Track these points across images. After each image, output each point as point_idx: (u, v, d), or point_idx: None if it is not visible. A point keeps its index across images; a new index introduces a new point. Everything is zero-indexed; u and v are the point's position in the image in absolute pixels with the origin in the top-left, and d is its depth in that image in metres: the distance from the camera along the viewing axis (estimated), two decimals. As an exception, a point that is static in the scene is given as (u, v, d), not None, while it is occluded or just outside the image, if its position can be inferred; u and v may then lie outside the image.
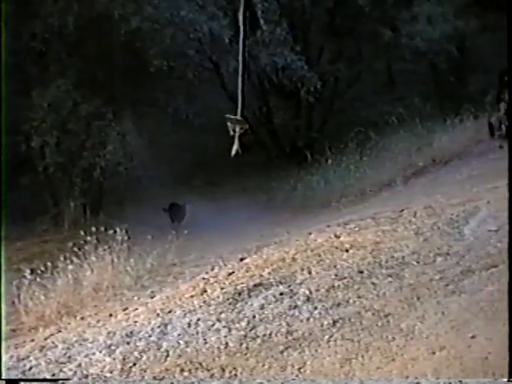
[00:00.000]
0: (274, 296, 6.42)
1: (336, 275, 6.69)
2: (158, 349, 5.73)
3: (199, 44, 16.32)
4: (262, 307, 6.23)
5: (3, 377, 5.55)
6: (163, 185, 16.48)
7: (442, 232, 7.64)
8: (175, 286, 7.68)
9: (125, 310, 7.05)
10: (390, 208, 9.53)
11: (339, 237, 8.03)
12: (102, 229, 9.71)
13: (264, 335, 5.71)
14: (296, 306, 6.14)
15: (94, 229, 9.56)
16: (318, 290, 6.40)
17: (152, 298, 7.37)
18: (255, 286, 6.72)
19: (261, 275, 6.99)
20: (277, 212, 14.38)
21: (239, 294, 6.58)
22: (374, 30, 18.77)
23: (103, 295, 8.04)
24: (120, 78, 15.57)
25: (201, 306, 6.45)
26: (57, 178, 15.09)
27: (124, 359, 5.62)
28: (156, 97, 16.80)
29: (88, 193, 15.05)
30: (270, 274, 6.99)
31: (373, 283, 6.42)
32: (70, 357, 5.81)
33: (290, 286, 6.58)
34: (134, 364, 5.53)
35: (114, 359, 5.64)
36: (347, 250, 7.40)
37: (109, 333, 6.21)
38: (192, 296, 6.81)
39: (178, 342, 5.79)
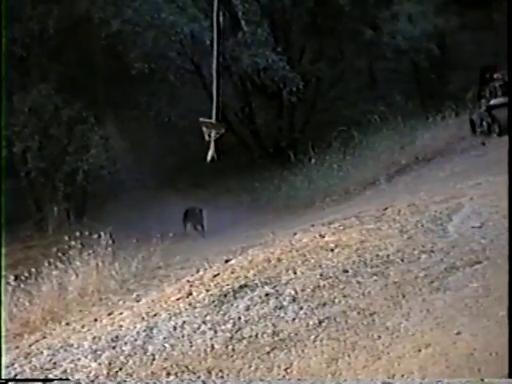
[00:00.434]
0: (260, 297, 6.40)
1: (321, 275, 6.69)
2: (144, 353, 5.70)
3: (180, 46, 16.31)
4: (247, 308, 6.21)
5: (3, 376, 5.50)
6: (147, 188, 16.45)
7: (425, 229, 7.66)
8: (160, 289, 7.65)
9: (110, 314, 7.02)
10: (374, 206, 9.55)
11: (324, 236, 8.04)
12: (87, 233, 9.67)
13: (250, 336, 5.70)
14: (282, 307, 6.13)
15: (78, 233, 9.53)
16: (303, 290, 6.39)
17: (137, 301, 7.34)
18: (240, 287, 6.70)
19: (246, 276, 6.98)
20: (261, 213, 14.40)
21: (225, 295, 6.56)
22: (355, 29, 18.84)
23: (88, 300, 8.00)
24: (101, 81, 15.54)
25: (186, 309, 6.43)
26: (39, 183, 15.04)
27: (110, 364, 5.58)
28: (138, 100, 16.78)
29: (71, 197, 15.01)
30: (255, 275, 6.98)
31: (358, 282, 6.42)
32: (55, 363, 5.77)
33: (275, 287, 6.57)
34: (120, 368, 5.49)
35: (100, 364, 5.60)
36: (332, 250, 7.40)
37: (94, 338, 6.17)
38: (177, 299, 6.79)
39: (164, 346, 5.76)
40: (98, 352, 5.84)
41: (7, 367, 5.77)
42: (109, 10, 15.01)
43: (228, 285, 6.82)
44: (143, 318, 6.42)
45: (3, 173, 10.84)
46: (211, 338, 5.76)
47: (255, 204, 15.56)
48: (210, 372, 5.26)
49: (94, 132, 15.02)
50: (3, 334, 6.27)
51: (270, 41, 17.64)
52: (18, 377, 5.59)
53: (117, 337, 6.08)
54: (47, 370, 5.66)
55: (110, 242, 9.23)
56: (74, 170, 14.85)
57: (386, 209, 8.93)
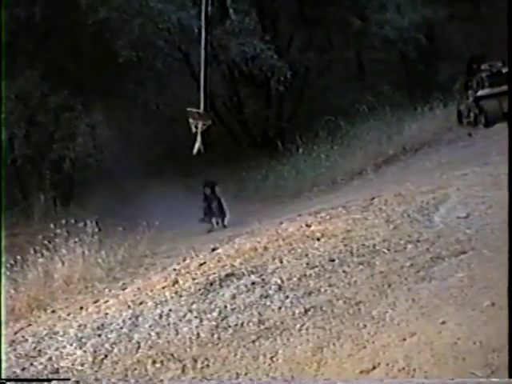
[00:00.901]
0: (246, 286, 6.42)
1: (307, 264, 6.70)
2: (130, 341, 5.70)
3: (168, 34, 16.21)
4: (233, 297, 6.22)
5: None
6: (134, 176, 16.39)
7: (412, 219, 7.69)
8: (147, 278, 7.66)
9: (96, 302, 7.02)
10: (361, 196, 9.57)
11: (310, 226, 8.05)
12: (73, 221, 9.63)
13: (236, 325, 5.71)
14: (268, 296, 6.14)
15: (64, 221, 9.49)
16: (289, 279, 6.41)
17: (123, 289, 7.34)
18: (227, 276, 6.71)
19: (232, 265, 6.99)
20: (248, 202, 14.39)
21: (211, 284, 6.57)
22: (343, 19, 18.78)
23: (74, 288, 7.98)
24: (89, 69, 15.44)
25: (172, 297, 6.43)
26: (26, 170, 14.97)
27: (95, 352, 5.59)
28: (126, 88, 16.68)
29: (58, 185, 14.94)
30: (241, 263, 6.99)
31: (344, 271, 6.44)
32: (40, 351, 5.77)
33: (261, 276, 6.58)
34: (106, 356, 5.50)
35: (85, 352, 5.60)
36: (318, 239, 7.41)
37: (80, 326, 6.18)
38: (163, 287, 6.79)
39: (150, 334, 5.77)
40: (84, 340, 5.84)
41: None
42: (97, -3, 14.92)
43: (214, 273, 6.83)
44: (129, 306, 6.43)
45: (2, 169, 10.81)
46: (197, 327, 5.78)
47: (242, 193, 15.55)
48: (195, 360, 5.27)
49: (81, 120, 14.95)
50: (3, 333, 6.25)
51: (258, 29, 17.57)
52: (3, 364, 5.57)
53: (102, 325, 6.09)
54: (32, 357, 5.65)
55: (97, 230, 9.21)
56: (60, 157, 14.78)
57: (372, 199, 8.94)
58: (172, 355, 5.37)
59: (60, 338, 5.97)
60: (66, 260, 8.37)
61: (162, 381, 5.09)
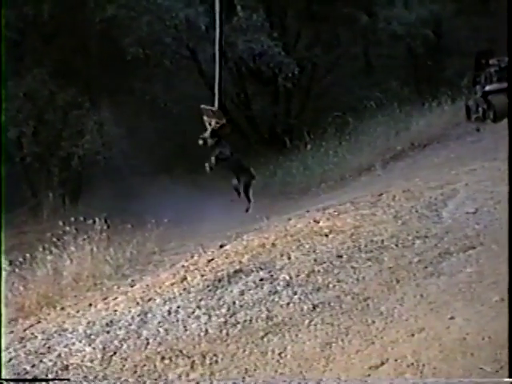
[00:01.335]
0: (254, 282, 6.42)
1: (315, 260, 6.70)
2: (139, 337, 5.71)
3: (176, 31, 16.24)
4: (241, 293, 6.23)
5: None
6: (142, 173, 16.42)
7: (420, 215, 7.67)
8: (155, 275, 7.66)
9: (105, 299, 7.03)
10: (369, 192, 9.55)
11: (318, 222, 8.04)
12: (81, 219, 9.63)
13: (244, 321, 5.71)
14: (276, 292, 6.15)
15: (72, 219, 9.50)
16: (297, 275, 6.40)
17: (132, 286, 7.35)
18: (235, 272, 6.71)
19: (240, 261, 6.99)
20: (256, 198, 14.33)
21: (219, 280, 6.58)
22: (350, 15, 18.75)
23: (83, 285, 8.00)
24: (96, 66, 15.48)
25: (181, 294, 6.44)
26: (34, 168, 15.03)
27: (104, 348, 5.60)
28: (133, 85, 16.73)
29: (66, 183, 15.00)
30: (249, 260, 6.99)
31: (352, 267, 6.43)
32: (49, 347, 5.79)
33: (269, 272, 6.58)
34: (115, 353, 5.51)
35: (94, 349, 5.61)
36: (326, 235, 7.41)
37: (89, 322, 6.19)
38: (172, 284, 6.80)
39: (158, 330, 5.78)
40: (93, 336, 5.86)
41: (2, 351, 5.78)
42: (104, -5, 14.96)
43: (222, 270, 6.84)
44: (138, 303, 6.44)
45: (2, 168, 10.85)
46: (205, 323, 5.78)
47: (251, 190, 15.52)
48: (204, 356, 5.28)
49: (89, 117, 14.99)
50: (3, 333, 6.27)
51: (266, 26, 17.57)
52: (13, 361, 5.60)
53: (111, 321, 6.10)
54: (41, 354, 5.67)
55: (105, 227, 9.23)
56: (69, 155, 14.83)
57: (380, 195, 8.93)
58: (181, 351, 5.38)
59: (69, 335, 5.98)
60: (74, 257, 8.40)
61: (165, 379, 5.10)
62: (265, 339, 5.40)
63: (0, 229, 9.06)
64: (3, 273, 8.01)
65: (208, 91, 19.08)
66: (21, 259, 8.49)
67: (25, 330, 6.44)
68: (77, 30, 15.23)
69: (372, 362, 4.86)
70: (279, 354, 5.19)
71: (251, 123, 18.93)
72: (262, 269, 6.70)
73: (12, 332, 6.44)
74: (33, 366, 5.51)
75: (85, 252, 8.50)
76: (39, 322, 6.74)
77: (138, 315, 6.12)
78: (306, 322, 5.56)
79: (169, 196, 14.09)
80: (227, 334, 5.55)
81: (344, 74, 20.28)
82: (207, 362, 5.22)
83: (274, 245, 7.37)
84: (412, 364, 4.73)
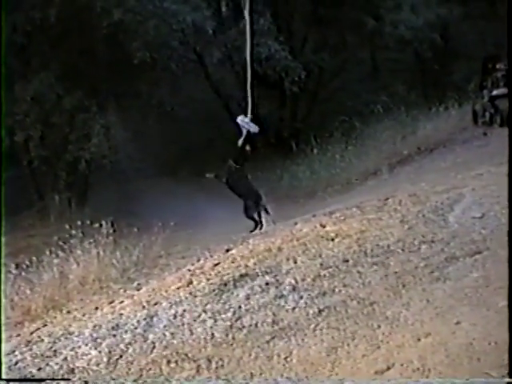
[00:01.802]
0: (260, 286, 6.42)
1: (321, 264, 6.70)
2: (144, 341, 5.72)
3: (183, 35, 16.27)
4: (247, 297, 6.23)
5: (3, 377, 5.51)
6: (149, 177, 16.46)
7: (426, 220, 7.66)
8: (161, 278, 7.66)
9: (111, 302, 7.03)
10: (376, 196, 9.54)
11: (325, 226, 8.04)
12: (88, 222, 9.66)
13: (250, 325, 5.71)
14: (282, 296, 6.14)
15: (79, 222, 9.52)
16: (303, 280, 6.40)
17: (138, 290, 7.35)
18: (241, 276, 6.71)
19: (246, 266, 6.99)
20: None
21: (225, 284, 6.58)
22: (357, 19, 18.77)
23: (89, 288, 8.02)
24: (103, 70, 15.50)
25: (187, 298, 6.44)
26: (41, 171, 15.06)
27: (110, 352, 5.60)
28: (140, 89, 16.75)
29: (73, 186, 15.03)
30: (255, 264, 6.99)
31: (358, 272, 6.43)
32: (55, 351, 5.79)
33: (275, 276, 6.58)
34: (121, 356, 5.52)
35: (100, 352, 5.62)
36: (333, 239, 7.40)
37: (95, 326, 6.19)
38: (178, 287, 6.80)
39: (164, 334, 5.78)
40: (99, 340, 5.86)
41: (8, 354, 5.79)
42: (111, -1, 14.98)
43: (228, 274, 6.84)
44: (144, 307, 6.44)
45: (2, 167, 10.86)
46: (211, 327, 5.78)
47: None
48: (209, 360, 5.28)
49: (96, 121, 15.02)
50: (3, 333, 6.28)
51: (273, 30, 17.60)
52: (19, 364, 5.61)
53: (117, 325, 6.11)
54: (48, 357, 5.69)
55: (111, 230, 9.24)
56: (75, 158, 14.86)
57: (387, 199, 8.91)
58: (186, 355, 5.39)
59: (75, 338, 5.99)
60: (81, 261, 8.41)
61: (169, 381, 5.11)
62: (270, 343, 5.40)
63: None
64: (10, 276, 8.04)
65: (214, 95, 19.20)
66: (27, 262, 8.51)
67: (31, 333, 6.44)
68: (84, 34, 15.26)
69: (378, 366, 4.85)
70: (285, 358, 5.19)
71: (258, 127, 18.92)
72: (267, 273, 6.70)
73: (19, 335, 6.45)
74: (39, 369, 5.52)
75: (91, 255, 8.52)
76: (45, 325, 6.75)
77: (144, 319, 6.13)
78: (312, 326, 5.56)
79: (175, 199, 14.12)
80: (233, 338, 5.56)
81: (351, 78, 20.29)
82: (213, 365, 5.23)
83: (280, 249, 7.36)
84: (418, 369, 4.73)
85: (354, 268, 6.52)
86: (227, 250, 8.01)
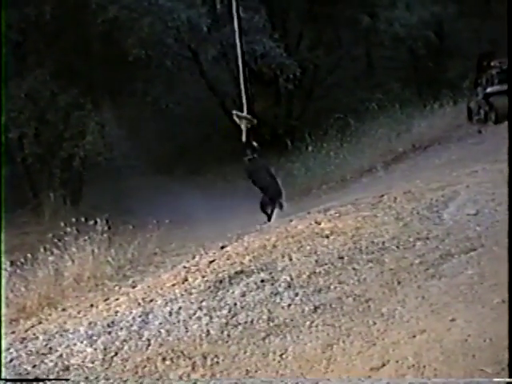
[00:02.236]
0: (255, 283, 6.41)
1: (317, 261, 6.70)
2: (140, 338, 5.71)
3: (177, 32, 16.25)
4: (243, 294, 6.22)
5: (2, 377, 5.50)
6: (144, 174, 16.45)
7: (421, 217, 7.66)
8: (156, 276, 7.66)
9: (106, 300, 7.02)
10: (371, 194, 9.55)
11: (320, 223, 8.04)
12: (83, 219, 9.65)
13: (245, 322, 5.71)
14: (277, 293, 6.14)
15: (74, 220, 9.50)
16: (298, 277, 6.40)
17: (133, 287, 7.34)
18: (236, 273, 6.71)
19: (242, 263, 6.99)
20: (257, 200, 14.37)
21: (220, 281, 6.57)
22: (352, 17, 18.80)
23: (84, 286, 8.01)
24: (98, 67, 15.48)
25: (182, 295, 6.44)
26: (36, 169, 15.04)
27: (105, 349, 5.60)
28: (135, 86, 16.75)
29: (68, 184, 15.00)
30: (250, 261, 6.99)
31: (353, 269, 6.43)
32: (50, 348, 5.78)
33: (271, 273, 6.58)
34: (116, 354, 5.51)
35: (96, 349, 5.62)
36: (328, 236, 7.40)
37: (90, 323, 6.19)
38: (173, 285, 6.80)
39: (160, 331, 5.78)
40: (94, 337, 5.85)
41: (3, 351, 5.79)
42: (106, -4, 14.96)
43: (224, 271, 6.83)
44: (139, 304, 6.43)
45: (2, 168, 10.86)
46: (207, 324, 5.78)
47: (251, 191, 15.54)
48: (205, 357, 5.28)
49: (91, 118, 15.00)
50: (3, 332, 6.27)
51: (268, 27, 17.61)
52: (14, 361, 5.60)
53: (112, 322, 6.10)
54: (43, 354, 5.68)
55: (106, 228, 9.23)
56: (70, 156, 14.84)
57: (382, 196, 8.92)
58: (182, 352, 5.38)
59: (70, 336, 5.98)
60: (76, 258, 8.40)
61: (166, 380, 5.11)
62: (266, 340, 5.40)
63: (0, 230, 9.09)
64: (5, 273, 8.02)
65: (209, 92, 19.19)
66: (22, 260, 8.48)
67: (26, 331, 6.44)
68: (79, 31, 15.24)
69: (373, 363, 4.86)
70: (280, 355, 5.19)
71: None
72: (263, 270, 6.69)
73: (13, 332, 6.44)
74: (34, 366, 5.51)
75: (86, 253, 8.50)
76: (40, 322, 6.74)
77: (140, 316, 6.12)
78: (307, 323, 5.56)
79: (170, 197, 14.13)
80: (228, 335, 5.55)
81: (345, 75, 20.31)
82: (208, 363, 5.22)
83: (275, 246, 7.36)
84: (413, 365, 4.73)
85: (349, 265, 6.52)
86: (222, 247, 8.01)
